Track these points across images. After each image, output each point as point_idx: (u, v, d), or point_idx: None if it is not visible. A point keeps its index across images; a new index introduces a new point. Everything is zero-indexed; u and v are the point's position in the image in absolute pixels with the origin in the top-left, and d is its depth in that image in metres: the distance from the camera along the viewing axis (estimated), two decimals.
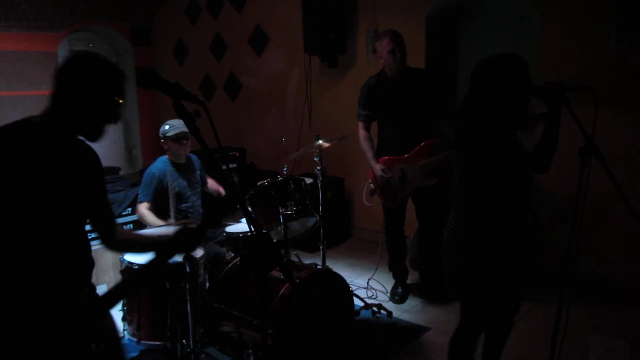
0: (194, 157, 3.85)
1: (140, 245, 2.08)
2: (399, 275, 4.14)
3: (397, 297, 4.05)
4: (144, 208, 3.52)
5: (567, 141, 2.29)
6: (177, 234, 1.81)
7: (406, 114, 3.77)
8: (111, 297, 1.75)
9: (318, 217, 3.40)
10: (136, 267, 3.02)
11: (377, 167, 3.79)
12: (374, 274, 4.34)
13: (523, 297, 2.60)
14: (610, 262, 3.99)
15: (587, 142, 1.99)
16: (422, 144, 3.78)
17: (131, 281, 2.00)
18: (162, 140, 3.63)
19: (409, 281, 4.19)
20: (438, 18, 4.88)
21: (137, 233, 2.09)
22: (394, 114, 3.80)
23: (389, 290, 4.18)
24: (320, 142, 3.51)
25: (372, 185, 3.95)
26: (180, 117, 1.40)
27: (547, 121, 2.18)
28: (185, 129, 3.51)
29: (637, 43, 3.75)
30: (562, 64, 4.03)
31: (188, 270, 2.81)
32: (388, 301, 4.05)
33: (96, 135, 1.68)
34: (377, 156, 3.86)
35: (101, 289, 5.05)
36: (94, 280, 4.67)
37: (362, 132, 3.89)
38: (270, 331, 2.73)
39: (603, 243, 3.98)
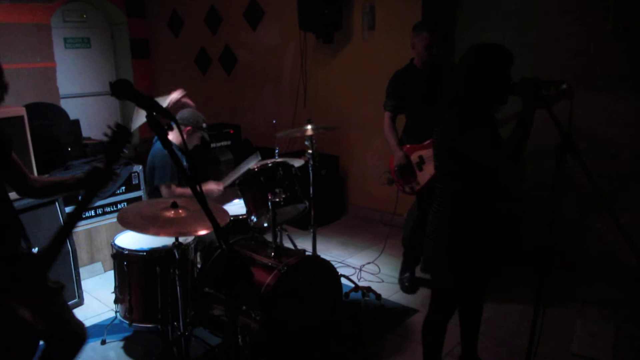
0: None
1: (59, 186, 2.22)
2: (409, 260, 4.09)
3: (407, 283, 3.98)
4: (176, 189, 3.54)
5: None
6: (88, 174, 2.01)
7: (433, 103, 3.65)
8: (49, 252, 1.88)
9: (307, 204, 3.40)
10: (126, 252, 3.08)
11: (399, 153, 3.74)
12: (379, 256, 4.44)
13: (509, 283, 2.63)
14: (596, 246, 4.03)
15: (564, 138, 1.97)
16: None
17: (65, 228, 1.99)
18: (188, 128, 3.61)
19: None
20: None
21: (51, 177, 2.28)
22: (420, 103, 3.72)
23: (380, 272, 4.24)
24: (309, 127, 3.49)
25: (390, 175, 3.90)
26: (152, 129, 1.40)
27: (519, 116, 2.16)
28: None
29: (635, 25, 3.69)
30: (560, 46, 3.98)
31: (177, 256, 2.85)
32: (381, 282, 4.09)
33: None
34: (400, 144, 3.80)
35: (95, 267, 5.02)
36: (88, 257, 4.68)
37: (387, 122, 3.84)
38: (257, 317, 2.78)
39: (588, 228, 4.00)
